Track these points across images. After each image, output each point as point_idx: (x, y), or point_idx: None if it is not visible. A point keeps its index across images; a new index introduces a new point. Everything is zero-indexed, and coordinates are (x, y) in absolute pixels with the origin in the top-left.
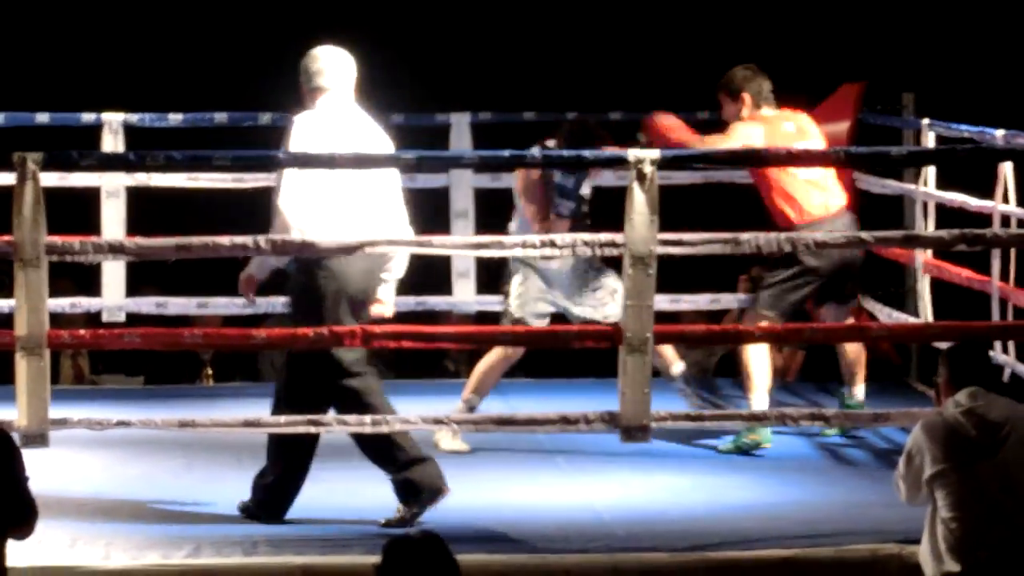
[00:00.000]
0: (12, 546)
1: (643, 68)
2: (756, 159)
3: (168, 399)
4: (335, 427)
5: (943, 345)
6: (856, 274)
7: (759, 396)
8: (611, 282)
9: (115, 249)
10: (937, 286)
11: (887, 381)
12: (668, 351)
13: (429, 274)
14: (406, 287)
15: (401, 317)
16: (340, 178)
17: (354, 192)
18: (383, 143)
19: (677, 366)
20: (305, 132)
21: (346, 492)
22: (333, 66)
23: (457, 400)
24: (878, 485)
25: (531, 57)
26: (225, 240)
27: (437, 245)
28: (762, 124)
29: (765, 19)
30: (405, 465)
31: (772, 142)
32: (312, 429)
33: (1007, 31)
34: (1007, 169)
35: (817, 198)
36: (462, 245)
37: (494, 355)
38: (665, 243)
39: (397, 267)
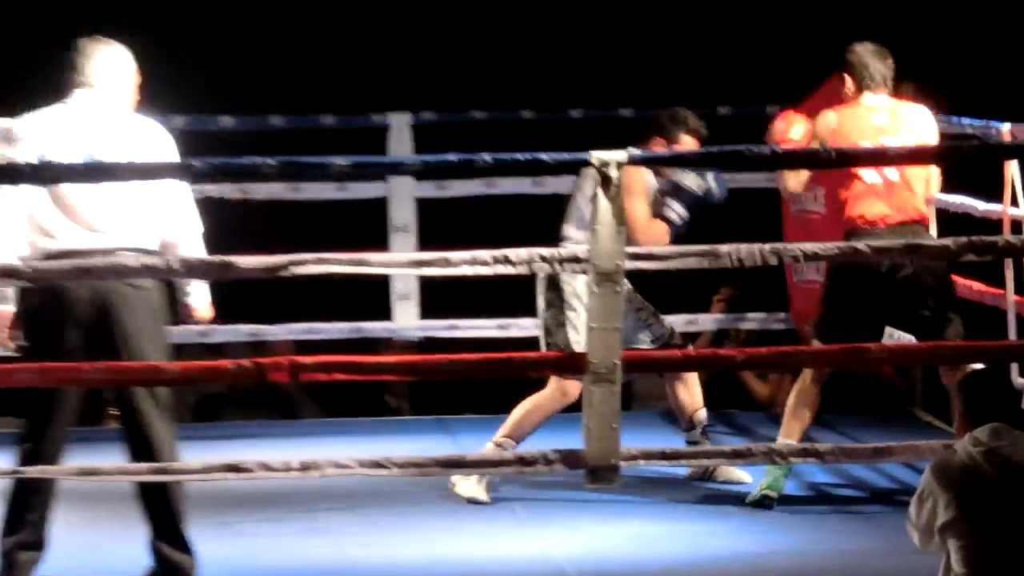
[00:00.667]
0: None
1: (612, 62)
2: (738, 160)
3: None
4: (257, 473)
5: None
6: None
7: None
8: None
9: (7, 274)
10: None
11: (889, 410)
12: (687, 392)
13: (366, 297)
14: (340, 312)
15: (334, 346)
16: (69, 187)
17: (90, 201)
18: (150, 147)
19: (700, 414)
20: (25, 132)
21: (270, 549)
22: (95, 61)
23: (401, 439)
24: (878, 530)
25: (478, 53)
26: (131, 260)
27: (375, 264)
28: (842, 111)
29: (746, 8)
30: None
31: (845, 134)
32: (230, 476)
33: (1014, 14)
34: (1014, 168)
35: (874, 206)
36: (403, 263)
37: (547, 392)
38: (635, 257)
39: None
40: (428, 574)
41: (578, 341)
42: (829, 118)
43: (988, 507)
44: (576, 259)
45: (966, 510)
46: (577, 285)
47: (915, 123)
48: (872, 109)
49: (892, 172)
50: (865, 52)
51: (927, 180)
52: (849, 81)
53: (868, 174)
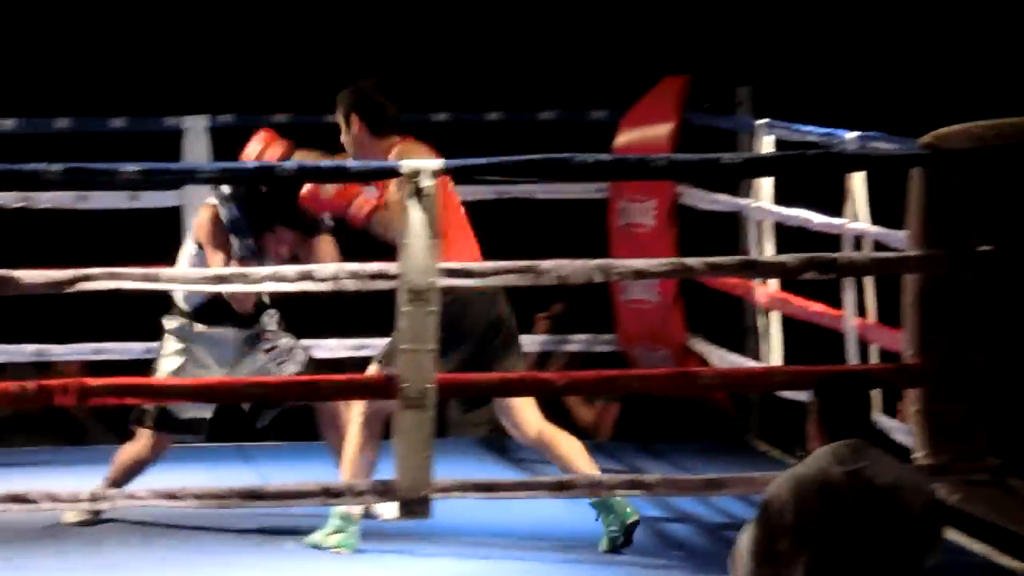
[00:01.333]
0: None
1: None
2: (559, 170)
3: None
4: (44, 504)
5: (791, 395)
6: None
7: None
8: (286, 340)
9: None
10: (785, 324)
11: (722, 439)
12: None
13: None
14: (134, 331)
15: (127, 367)
16: None
17: None
18: None
19: None
20: None
21: None
22: None
23: (199, 467)
24: (704, 566)
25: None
26: None
27: (166, 279)
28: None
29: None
30: None
31: None
32: (14, 507)
33: (858, 14)
34: (858, 180)
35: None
36: (198, 279)
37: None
38: (449, 273)
39: None
40: None
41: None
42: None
43: (843, 532)
44: (385, 275)
45: (826, 537)
46: None
47: None
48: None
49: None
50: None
51: None
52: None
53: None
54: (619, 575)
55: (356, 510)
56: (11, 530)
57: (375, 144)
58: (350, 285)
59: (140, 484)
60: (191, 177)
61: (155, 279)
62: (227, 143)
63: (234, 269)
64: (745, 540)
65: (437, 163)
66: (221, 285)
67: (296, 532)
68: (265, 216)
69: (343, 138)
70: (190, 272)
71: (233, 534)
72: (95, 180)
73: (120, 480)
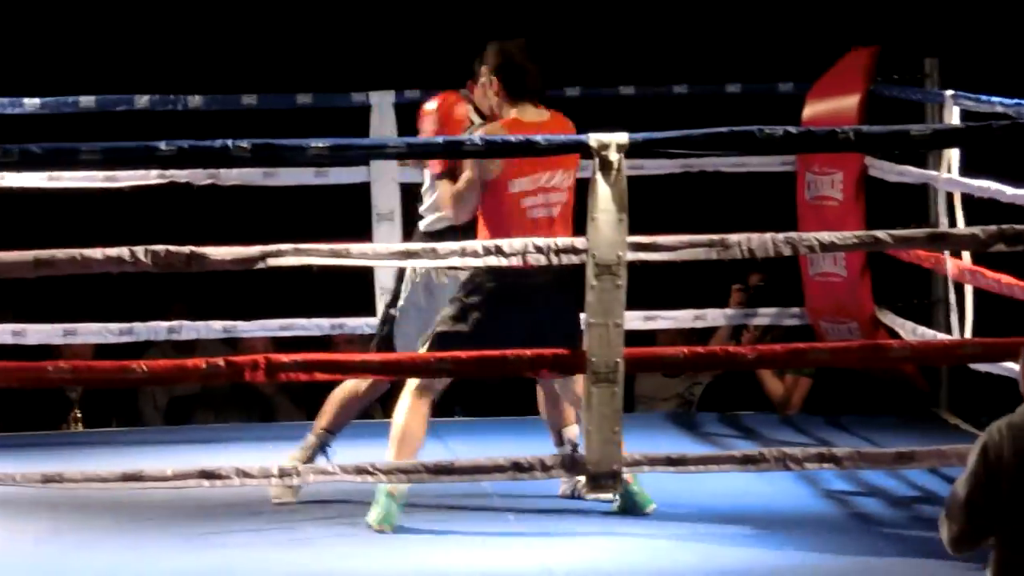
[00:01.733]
0: None
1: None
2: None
3: (28, 449)
4: (235, 480)
5: (982, 368)
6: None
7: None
8: None
9: None
10: (976, 296)
11: (912, 412)
12: (557, 406)
13: (347, 290)
14: (320, 307)
15: (313, 343)
16: None
17: None
18: None
19: (572, 430)
20: None
21: (249, 561)
22: None
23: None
24: (899, 542)
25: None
26: (96, 253)
27: (356, 255)
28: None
29: None
30: None
31: None
32: (205, 483)
33: None
34: None
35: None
36: (387, 254)
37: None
38: (637, 247)
39: None
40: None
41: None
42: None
43: None
44: (574, 249)
45: None
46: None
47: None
48: (535, 124)
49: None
50: (521, 52)
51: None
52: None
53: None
54: (808, 550)
55: (401, 488)
56: (203, 506)
57: (507, 108)
58: (537, 259)
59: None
60: (379, 152)
61: (344, 255)
62: (413, 118)
63: (424, 244)
64: (960, 492)
65: (624, 136)
66: (410, 260)
67: (512, 509)
68: None
69: (477, 90)
70: (379, 247)
71: (425, 509)
72: (283, 156)
73: (340, 418)
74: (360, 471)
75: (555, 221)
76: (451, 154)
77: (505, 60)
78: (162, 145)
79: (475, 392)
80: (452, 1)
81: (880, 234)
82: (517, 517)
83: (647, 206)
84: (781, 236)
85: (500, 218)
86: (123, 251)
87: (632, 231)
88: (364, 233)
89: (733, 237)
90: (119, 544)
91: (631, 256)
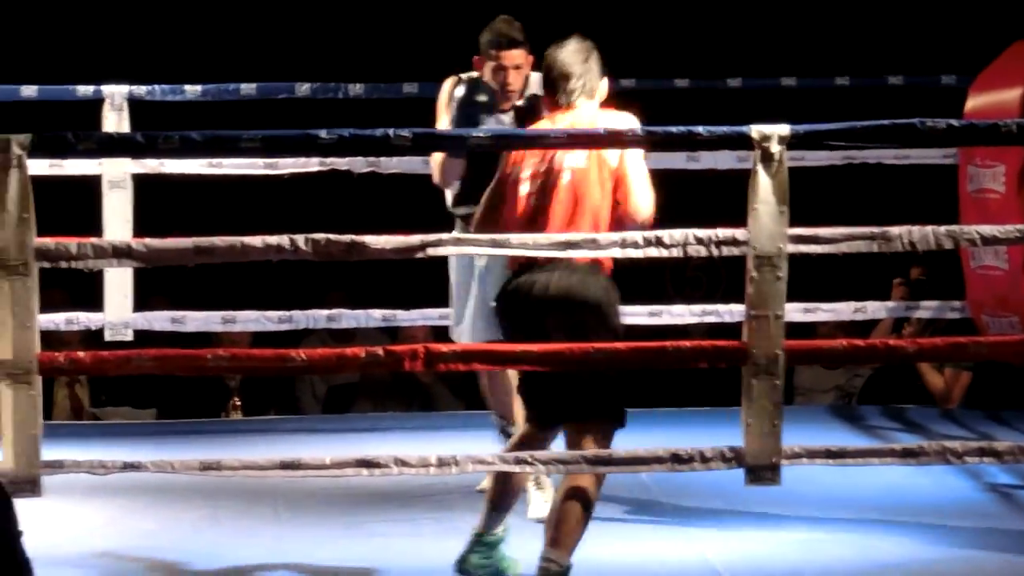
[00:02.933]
0: None
1: None
2: (908, 135)
3: (187, 436)
4: (393, 469)
5: None
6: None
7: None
8: None
9: (120, 253)
10: None
11: None
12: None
13: None
14: None
15: None
16: None
17: None
18: None
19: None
20: None
21: (407, 549)
22: None
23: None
24: None
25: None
26: (256, 241)
27: (515, 246)
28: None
29: None
30: None
31: None
32: (364, 472)
33: None
34: None
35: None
36: (545, 245)
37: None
38: (797, 240)
39: None
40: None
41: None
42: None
43: None
44: (735, 241)
45: None
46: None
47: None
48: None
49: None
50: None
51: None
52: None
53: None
54: (967, 545)
55: None
56: (362, 495)
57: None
58: (698, 251)
59: (487, 449)
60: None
61: (504, 244)
62: None
63: (584, 235)
64: None
65: (786, 128)
66: (569, 251)
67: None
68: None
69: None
70: (539, 237)
71: None
72: (444, 145)
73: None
74: (519, 461)
75: (561, 203)
76: (613, 144)
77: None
78: (323, 133)
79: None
80: None
81: None
82: (675, 507)
83: (808, 198)
84: (943, 229)
85: (497, 193)
86: (283, 239)
87: (793, 223)
88: None
89: (894, 230)
90: (276, 532)
91: (791, 248)
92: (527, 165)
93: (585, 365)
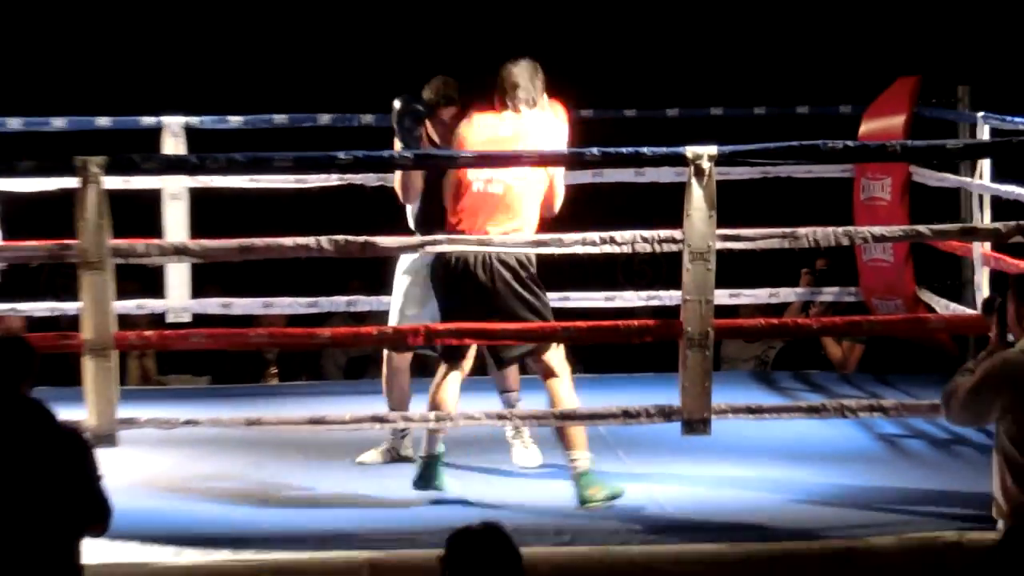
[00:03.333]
0: (86, 544)
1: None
2: (813, 154)
3: (234, 398)
4: (399, 423)
5: None
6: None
7: None
8: None
9: (179, 251)
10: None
11: (945, 372)
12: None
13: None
14: None
15: None
16: None
17: None
18: None
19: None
20: None
21: (412, 487)
22: None
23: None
24: (937, 474)
25: (588, 54)
26: (288, 241)
27: (497, 244)
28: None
29: (821, 14)
30: None
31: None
32: (377, 426)
33: None
34: None
35: (479, 219)
36: (522, 243)
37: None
38: (724, 238)
39: None
40: (546, 509)
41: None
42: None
43: None
44: (672, 240)
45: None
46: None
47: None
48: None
49: (499, 186)
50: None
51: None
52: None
53: (478, 184)
54: (861, 481)
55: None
56: (373, 445)
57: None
58: (644, 248)
59: (476, 408)
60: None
61: (487, 243)
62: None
63: (550, 236)
64: (961, 393)
65: (714, 148)
66: (540, 248)
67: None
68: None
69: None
70: (515, 237)
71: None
72: (440, 163)
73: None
74: (500, 416)
75: (508, 199)
76: (574, 165)
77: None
78: (341, 154)
79: (592, 353)
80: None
81: (922, 228)
82: (626, 454)
83: (732, 206)
84: (841, 229)
85: (456, 196)
86: (310, 240)
87: (720, 225)
88: None
89: (802, 230)
90: (306, 475)
91: (720, 245)
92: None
93: (557, 340)
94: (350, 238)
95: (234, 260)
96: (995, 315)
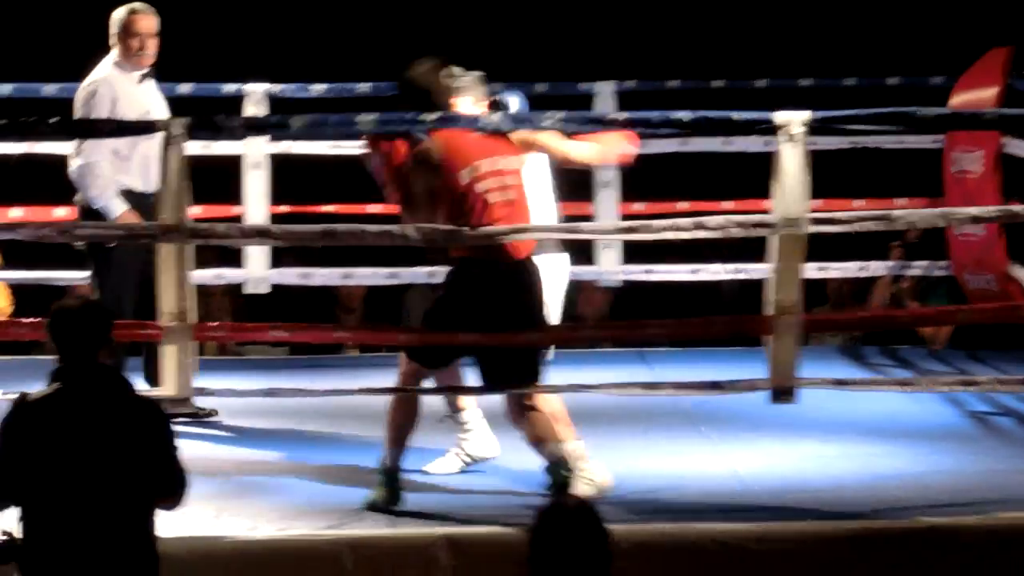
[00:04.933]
0: (161, 516)
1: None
2: (905, 121)
3: (312, 369)
4: (470, 393)
5: None
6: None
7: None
8: None
9: (261, 233)
10: None
11: None
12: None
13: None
14: None
15: None
16: None
17: None
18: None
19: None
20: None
21: (488, 464)
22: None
23: (603, 368)
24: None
25: (676, 25)
26: (372, 228)
27: (585, 231)
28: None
29: None
30: None
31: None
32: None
33: None
34: None
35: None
36: (610, 230)
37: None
38: (817, 222)
39: None
40: (626, 485)
41: None
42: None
43: None
44: (764, 224)
45: None
46: None
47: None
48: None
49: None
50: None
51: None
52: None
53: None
54: (950, 458)
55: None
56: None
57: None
58: (736, 233)
59: (560, 378)
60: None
61: (576, 231)
62: (628, 104)
63: (640, 222)
64: None
65: (805, 114)
66: (629, 235)
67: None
68: None
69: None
70: (604, 223)
71: (631, 420)
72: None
73: None
74: (581, 386)
75: (514, 204)
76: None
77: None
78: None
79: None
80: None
81: (1017, 208)
82: (709, 429)
83: (823, 177)
84: (937, 211)
85: (460, 208)
86: (394, 228)
87: (813, 196)
88: (589, 197)
89: (897, 212)
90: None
91: (813, 229)
92: (470, 166)
93: (639, 334)
94: (436, 226)
95: (315, 245)
96: None
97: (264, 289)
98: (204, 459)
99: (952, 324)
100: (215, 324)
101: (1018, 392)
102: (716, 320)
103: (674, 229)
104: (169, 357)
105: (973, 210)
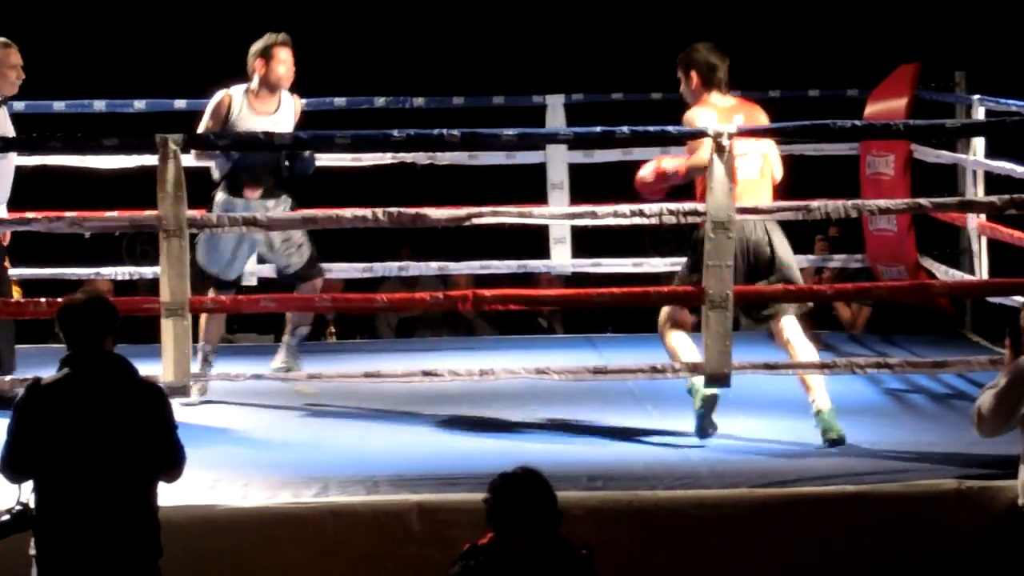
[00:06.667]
0: (162, 488)
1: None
2: (824, 133)
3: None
4: (446, 377)
5: (996, 300)
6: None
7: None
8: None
9: (248, 222)
10: (992, 247)
11: (945, 333)
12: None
13: (529, 241)
14: (508, 252)
15: (502, 279)
16: None
17: None
18: None
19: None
20: None
21: (457, 436)
22: None
23: (556, 352)
24: (938, 426)
25: (619, 45)
26: (347, 213)
27: (537, 216)
28: (712, 111)
29: (832, 4)
30: None
31: None
32: (426, 379)
33: None
34: None
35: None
36: (559, 215)
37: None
38: (742, 211)
39: None
40: (578, 456)
41: None
42: (709, 119)
43: None
44: (695, 212)
45: None
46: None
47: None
48: (730, 110)
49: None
50: (707, 52)
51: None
52: (695, 79)
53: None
54: (868, 431)
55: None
56: (422, 397)
57: (703, 95)
58: (670, 219)
59: (517, 364)
60: (553, 139)
61: (528, 215)
62: (577, 116)
63: (584, 207)
64: (988, 401)
65: (732, 127)
66: (575, 220)
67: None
68: None
69: (682, 89)
70: (554, 208)
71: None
72: (483, 142)
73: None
74: (539, 371)
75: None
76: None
77: (697, 56)
78: (395, 133)
79: (623, 314)
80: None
81: (923, 201)
82: (654, 407)
83: None
84: (850, 202)
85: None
86: (367, 212)
87: None
88: (541, 198)
89: (814, 203)
90: (361, 423)
91: (739, 217)
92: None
93: (586, 305)
94: (403, 210)
95: (297, 229)
96: (1008, 339)
97: (252, 282)
98: (199, 435)
99: (870, 299)
100: (209, 297)
101: (928, 373)
102: (652, 293)
103: (616, 215)
104: (168, 341)
105: (884, 202)
